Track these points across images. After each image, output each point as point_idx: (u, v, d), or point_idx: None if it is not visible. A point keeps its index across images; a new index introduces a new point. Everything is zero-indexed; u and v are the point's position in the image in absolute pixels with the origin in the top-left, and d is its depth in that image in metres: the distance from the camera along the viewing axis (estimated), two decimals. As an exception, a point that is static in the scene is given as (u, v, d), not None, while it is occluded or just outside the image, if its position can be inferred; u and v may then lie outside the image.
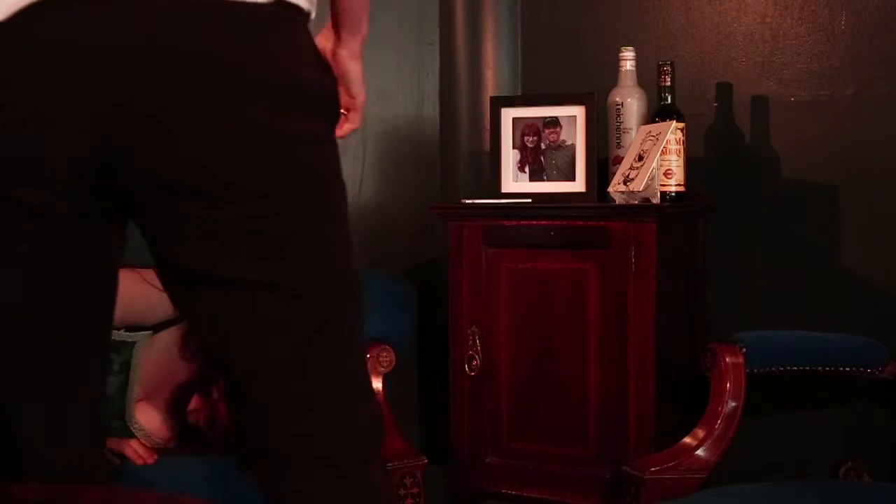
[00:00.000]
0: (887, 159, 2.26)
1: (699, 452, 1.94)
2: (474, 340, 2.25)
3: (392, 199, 2.71)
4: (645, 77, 2.34)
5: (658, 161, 2.15)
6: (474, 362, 2.26)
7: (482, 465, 2.28)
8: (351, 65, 1.42)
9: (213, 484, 1.79)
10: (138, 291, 1.91)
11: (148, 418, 1.98)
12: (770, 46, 2.38)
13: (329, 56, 1.40)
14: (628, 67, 2.33)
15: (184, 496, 1.45)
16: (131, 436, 1.95)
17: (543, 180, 2.36)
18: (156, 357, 1.99)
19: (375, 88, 2.66)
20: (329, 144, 1.29)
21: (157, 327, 2.03)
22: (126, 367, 1.97)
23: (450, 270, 2.30)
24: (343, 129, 1.46)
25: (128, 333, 2.01)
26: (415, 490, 1.93)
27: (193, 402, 1.98)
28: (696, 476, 1.93)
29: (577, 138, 2.33)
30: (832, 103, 2.32)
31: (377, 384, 2.02)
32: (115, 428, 1.94)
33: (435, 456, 2.13)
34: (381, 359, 2.03)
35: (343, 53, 1.41)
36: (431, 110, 2.73)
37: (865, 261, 2.29)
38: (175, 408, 2.01)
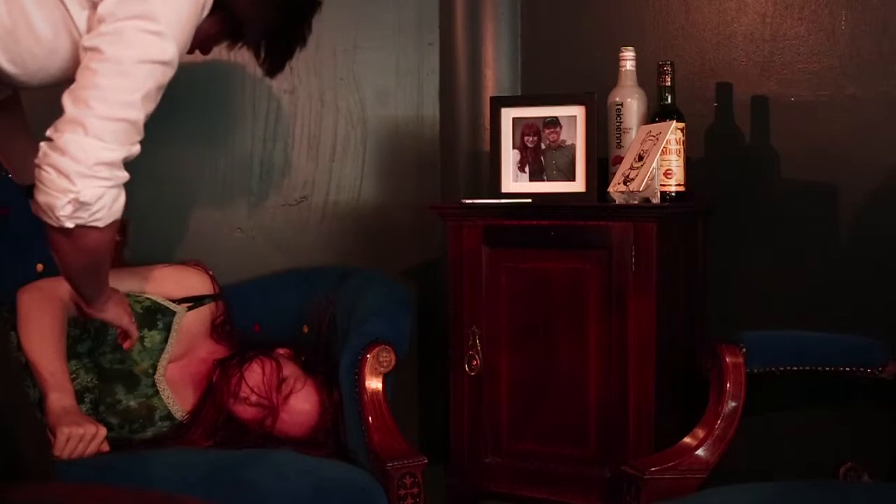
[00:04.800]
0: (887, 159, 2.26)
1: (699, 452, 1.95)
2: (474, 340, 2.25)
3: (392, 199, 2.71)
4: (645, 77, 2.34)
5: (658, 161, 2.15)
6: (474, 362, 2.26)
7: (482, 465, 2.28)
8: (102, 316, 1.93)
9: (212, 483, 1.79)
10: (169, 271, 2.23)
11: (172, 381, 2.12)
12: (770, 46, 2.39)
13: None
14: (628, 67, 2.33)
15: (184, 496, 1.45)
16: (155, 394, 2.09)
17: (543, 180, 2.36)
18: (187, 331, 2.16)
19: (375, 88, 2.69)
20: None
21: (181, 301, 2.19)
22: (167, 327, 2.13)
23: (450, 270, 2.30)
24: (126, 344, 2.02)
25: (171, 302, 2.16)
26: (415, 490, 1.93)
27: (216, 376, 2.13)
28: (696, 476, 1.93)
29: (577, 138, 2.33)
30: (832, 103, 2.32)
31: (377, 384, 2.02)
32: (142, 386, 2.08)
33: (435, 456, 2.13)
34: (381, 359, 2.03)
35: (90, 312, 1.91)
36: (431, 110, 2.73)
37: (865, 261, 2.29)
38: (195, 380, 2.15)
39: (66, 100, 1.58)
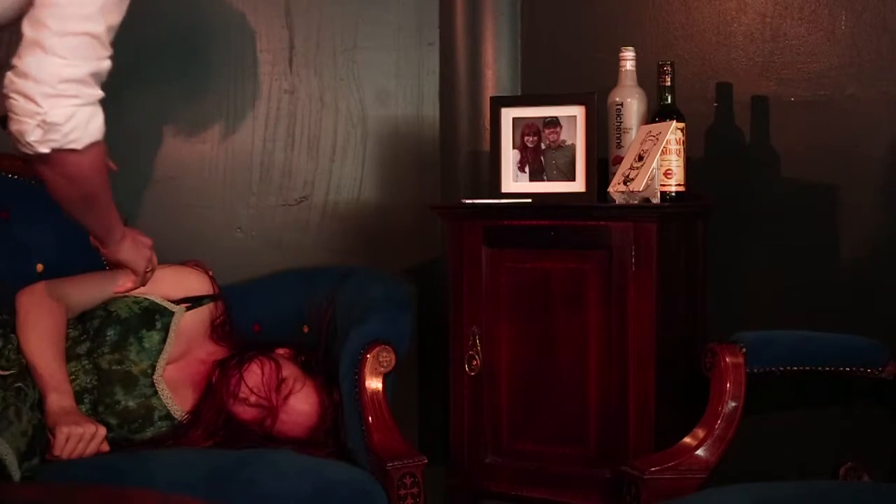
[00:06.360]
0: (887, 159, 2.26)
1: (699, 452, 1.94)
2: (474, 340, 2.25)
3: (392, 199, 2.71)
4: (645, 77, 2.34)
5: (658, 161, 2.15)
6: (474, 362, 2.26)
7: (482, 465, 2.28)
8: (116, 258, 1.91)
9: (212, 483, 1.79)
10: (169, 271, 2.19)
11: (171, 381, 2.11)
12: (770, 46, 2.39)
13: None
14: (628, 67, 2.33)
15: (183, 496, 1.45)
16: (154, 394, 2.07)
17: (543, 180, 2.36)
18: (186, 332, 2.15)
19: (375, 88, 2.70)
20: None
21: (180, 302, 2.18)
22: (166, 327, 2.12)
23: (450, 270, 2.30)
24: (125, 286, 1.98)
25: (169, 302, 2.16)
26: (415, 490, 1.93)
27: (215, 376, 2.12)
28: (696, 476, 1.93)
29: (577, 138, 2.33)
30: (832, 103, 2.32)
31: (377, 384, 2.02)
32: (140, 386, 2.06)
33: (435, 456, 2.13)
34: (381, 359, 2.03)
35: (105, 253, 1.90)
36: (431, 110, 2.73)
37: (865, 261, 2.29)
38: (194, 381, 2.14)
39: (25, 24, 1.54)
